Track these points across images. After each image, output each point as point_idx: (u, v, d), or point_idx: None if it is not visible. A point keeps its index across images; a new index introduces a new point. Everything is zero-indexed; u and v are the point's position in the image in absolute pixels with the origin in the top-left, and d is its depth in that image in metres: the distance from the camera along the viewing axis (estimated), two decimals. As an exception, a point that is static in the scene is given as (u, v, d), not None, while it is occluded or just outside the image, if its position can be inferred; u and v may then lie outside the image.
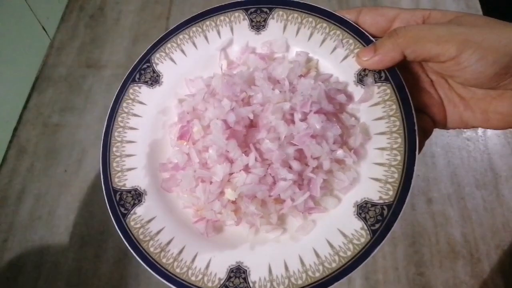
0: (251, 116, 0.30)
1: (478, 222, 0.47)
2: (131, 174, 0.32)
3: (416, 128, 0.27)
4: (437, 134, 0.53)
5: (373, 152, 0.29)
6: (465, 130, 0.53)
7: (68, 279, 0.46)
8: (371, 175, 0.28)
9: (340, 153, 0.29)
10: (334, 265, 0.27)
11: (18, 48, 0.59)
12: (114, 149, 0.32)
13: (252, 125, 0.31)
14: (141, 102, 0.34)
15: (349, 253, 0.27)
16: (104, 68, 0.62)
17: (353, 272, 0.27)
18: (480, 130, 0.53)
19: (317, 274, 0.27)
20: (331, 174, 0.30)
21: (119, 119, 0.33)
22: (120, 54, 0.63)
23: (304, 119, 0.30)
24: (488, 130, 0.53)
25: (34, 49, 0.63)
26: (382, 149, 0.28)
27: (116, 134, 0.33)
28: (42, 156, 0.54)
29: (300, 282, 0.27)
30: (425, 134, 0.29)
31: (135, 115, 0.34)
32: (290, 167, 0.29)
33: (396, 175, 0.27)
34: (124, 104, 0.34)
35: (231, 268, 0.28)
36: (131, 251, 0.29)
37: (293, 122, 0.30)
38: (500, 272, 0.44)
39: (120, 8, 0.69)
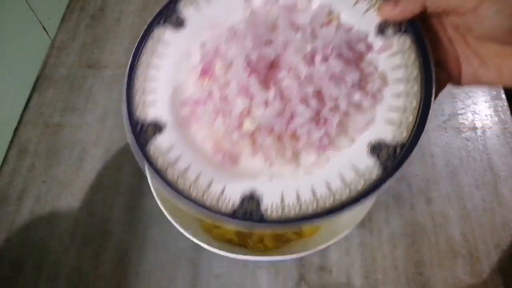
0: (273, 56, 0.31)
1: (478, 222, 0.47)
2: (153, 108, 0.33)
3: (433, 75, 0.28)
4: (437, 134, 0.53)
5: (389, 97, 0.30)
6: (464, 130, 0.53)
7: (68, 278, 0.46)
8: (386, 118, 0.30)
9: (357, 96, 0.30)
10: (344, 196, 0.28)
11: (19, 48, 0.59)
12: (137, 84, 0.34)
13: (273, 65, 0.32)
14: (165, 44, 0.35)
15: (359, 186, 0.28)
16: (105, 68, 0.62)
17: (362, 202, 0.28)
18: (479, 131, 0.53)
19: (327, 204, 0.28)
20: (347, 116, 0.31)
21: (143, 57, 0.34)
22: (120, 54, 0.63)
23: (324, 61, 0.31)
24: (487, 130, 0.53)
25: (34, 49, 0.63)
26: (399, 94, 0.29)
27: (139, 71, 0.34)
28: (43, 156, 0.55)
29: (310, 210, 0.28)
30: (440, 87, 0.30)
31: (159, 55, 0.35)
32: (308, 104, 0.30)
33: (411, 118, 0.28)
34: (149, 45, 0.35)
35: (244, 196, 0.29)
36: (150, 179, 0.33)
37: (313, 64, 0.31)
38: (499, 272, 0.44)
39: (120, 8, 0.69)
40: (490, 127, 0.54)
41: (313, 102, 0.30)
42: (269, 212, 0.29)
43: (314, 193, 0.29)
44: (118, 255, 0.47)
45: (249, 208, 0.29)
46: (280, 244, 0.40)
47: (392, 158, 0.28)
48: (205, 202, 0.29)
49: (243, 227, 0.30)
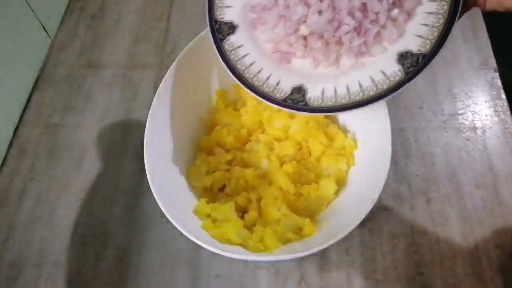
0: None
1: (478, 222, 0.47)
2: (229, 11, 0.41)
3: None
4: (437, 134, 0.53)
5: (422, 14, 0.35)
6: (464, 130, 0.53)
7: (68, 279, 0.46)
8: (416, 32, 0.35)
9: (395, 12, 0.36)
10: (371, 93, 0.35)
11: (19, 48, 0.59)
12: None
13: None
14: None
15: (385, 86, 0.35)
16: (105, 68, 0.62)
17: (385, 98, 0.34)
18: (479, 131, 0.53)
19: (358, 98, 0.35)
20: (384, 28, 0.36)
21: None
22: (120, 54, 0.63)
23: None
24: (487, 130, 0.53)
25: (34, 49, 0.63)
26: (430, 13, 0.35)
27: None
28: (43, 156, 0.55)
29: (344, 101, 0.36)
30: (466, 8, 0.34)
31: None
32: (353, 16, 0.36)
33: (436, 34, 0.34)
34: None
35: (294, 87, 0.38)
36: (225, 67, 0.40)
37: None
38: (499, 272, 0.44)
39: (120, 8, 0.69)
40: (490, 127, 0.54)
41: (358, 14, 0.36)
42: (312, 101, 0.36)
43: (348, 89, 0.36)
44: (118, 255, 0.47)
45: (297, 97, 0.37)
46: (280, 244, 0.40)
47: (415, 65, 0.34)
48: (264, 89, 0.38)
49: (291, 111, 0.37)
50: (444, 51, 0.33)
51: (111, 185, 0.52)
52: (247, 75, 0.39)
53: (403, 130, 0.54)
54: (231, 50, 0.40)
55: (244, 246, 0.40)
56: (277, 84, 0.38)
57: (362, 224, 0.35)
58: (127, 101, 0.59)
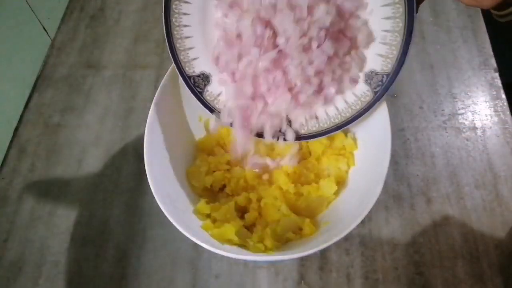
0: (276, 55, 0.39)
1: (478, 222, 0.47)
2: (196, 62, 0.41)
3: (415, 14, 0.34)
4: (437, 134, 0.53)
5: (380, 33, 0.36)
6: (464, 130, 0.53)
7: (68, 279, 0.46)
8: (377, 52, 0.37)
9: (348, 58, 0.38)
10: (348, 114, 0.40)
11: (19, 48, 0.59)
12: (177, 45, 0.40)
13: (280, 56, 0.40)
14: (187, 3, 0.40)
15: (358, 107, 0.39)
16: (105, 68, 0.62)
17: (358, 120, 0.39)
18: (479, 131, 0.53)
19: (337, 121, 0.40)
20: (344, 73, 0.39)
21: (173, 19, 0.39)
22: (120, 55, 0.63)
23: (320, 46, 0.38)
24: (487, 130, 0.53)
25: (34, 49, 0.63)
26: (387, 31, 0.36)
27: (175, 32, 0.40)
28: (43, 156, 0.55)
29: (325, 126, 0.41)
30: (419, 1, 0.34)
31: (185, 14, 0.40)
32: (310, 83, 0.39)
33: (395, 52, 0.36)
34: (173, 6, 0.39)
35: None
36: (211, 113, 0.42)
37: (311, 51, 0.38)
38: (499, 272, 0.44)
39: (120, 8, 0.69)
40: (490, 127, 0.54)
41: (315, 80, 0.38)
42: (298, 129, 0.41)
43: (327, 114, 0.41)
44: (118, 255, 0.47)
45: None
46: (280, 244, 0.40)
47: (381, 84, 0.37)
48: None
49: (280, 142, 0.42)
50: (403, 71, 0.35)
51: (111, 185, 0.52)
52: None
53: (403, 130, 0.54)
54: (213, 100, 0.42)
55: (244, 246, 0.40)
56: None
57: (362, 224, 0.36)
58: (127, 101, 0.59)
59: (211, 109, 0.42)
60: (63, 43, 0.65)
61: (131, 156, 0.54)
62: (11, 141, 0.56)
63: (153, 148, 0.41)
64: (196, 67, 0.41)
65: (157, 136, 0.42)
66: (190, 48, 0.41)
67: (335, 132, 0.41)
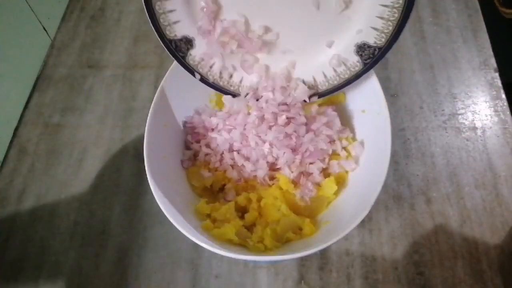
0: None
1: (478, 222, 0.47)
2: (178, 26, 0.39)
3: None
4: (437, 134, 0.53)
5: (377, 8, 0.36)
6: (464, 130, 0.53)
7: (68, 279, 0.46)
8: (371, 25, 0.37)
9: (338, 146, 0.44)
10: (335, 82, 0.41)
11: (19, 48, 0.59)
12: (157, 7, 0.38)
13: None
14: None
15: (346, 75, 0.40)
16: (105, 68, 0.62)
17: (345, 88, 0.41)
18: (479, 131, 0.53)
19: (324, 88, 0.42)
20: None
21: None
22: (120, 54, 0.63)
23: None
24: (487, 130, 0.53)
25: (34, 49, 0.63)
26: (385, 6, 0.35)
27: None
28: (43, 156, 0.55)
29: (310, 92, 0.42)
30: None
31: None
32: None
33: (390, 28, 0.36)
34: None
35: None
36: (196, 77, 0.42)
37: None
38: (499, 272, 0.44)
39: (120, 8, 0.69)
40: (490, 127, 0.54)
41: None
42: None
43: (315, 80, 0.42)
44: (118, 255, 0.47)
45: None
46: (280, 244, 0.40)
47: (372, 57, 0.38)
48: (238, 91, 0.44)
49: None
50: (395, 45, 0.36)
51: (111, 185, 0.52)
52: (221, 83, 0.43)
53: (403, 130, 0.54)
54: (197, 64, 0.41)
55: (244, 246, 0.40)
56: (240, 82, 0.43)
57: (362, 224, 0.36)
58: (127, 101, 0.59)
59: (194, 74, 0.42)
60: (63, 43, 0.65)
61: (131, 156, 0.54)
62: (11, 141, 0.56)
63: (153, 148, 0.41)
64: (178, 31, 0.39)
65: (157, 136, 0.42)
66: (171, 11, 0.38)
67: (318, 98, 0.43)
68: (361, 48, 0.38)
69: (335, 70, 0.41)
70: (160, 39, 0.39)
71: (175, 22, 0.39)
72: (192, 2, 0.39)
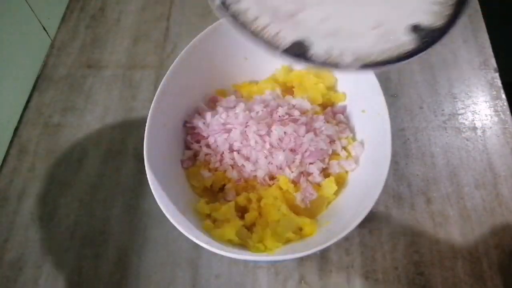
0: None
1: (478, 222, 0.47)
2: None
3: None
4: (437, 134, 0.53)
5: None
6: (464, 130, 0.53)
7: (68, 279, 0.46)
8: (429, 9, 0.35)
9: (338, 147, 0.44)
10: (385, 56, 0.34)
11: (19, 48, 0.59)
12: None
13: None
14: None
15: (396, 53, 0.34)
16: (105, 68, 0.62)
17: (397, 63, 0.34)
18: (479, 131, 0.53)
19: (366, 61, 0.33)
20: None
21: None
22: (120, 54, 0.63)
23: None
24: (487, 130, 0.53)
25: (34, 49, 0.63)
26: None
27: None
28: (43, 156, 0.55)
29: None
30: None
31: None
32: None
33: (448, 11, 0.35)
34: None
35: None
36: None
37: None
38: (499, 272, 0.44)
39: (120, 8, 0.69)
40: (490, 127, 0.54)
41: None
42: (314, 58, 0.33)
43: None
44: (118, 255, 0.47)
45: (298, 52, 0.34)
46: (280, 244, 0.40)
47: (430, 36, 0.35)
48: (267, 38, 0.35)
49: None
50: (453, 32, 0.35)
51: (111, 185, 0.52)
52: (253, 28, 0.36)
53: (403, 130, 0.54)
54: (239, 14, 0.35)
55: (244, 246, 0.40)
56: (277, 33, 0.36)
57: (362, 224, 0.35)
58: (127, 101, 0.59)
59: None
60: (63, 43, 0.65)
61: (131, 156, 0.54)
62: (11, 141, 0.56)
63: (153, 148, 0.41)
64: None
65: (157, 136, 0.42)
66: None
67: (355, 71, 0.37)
68: (417, 28, 0.36)
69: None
70: None
71: None
72: None
